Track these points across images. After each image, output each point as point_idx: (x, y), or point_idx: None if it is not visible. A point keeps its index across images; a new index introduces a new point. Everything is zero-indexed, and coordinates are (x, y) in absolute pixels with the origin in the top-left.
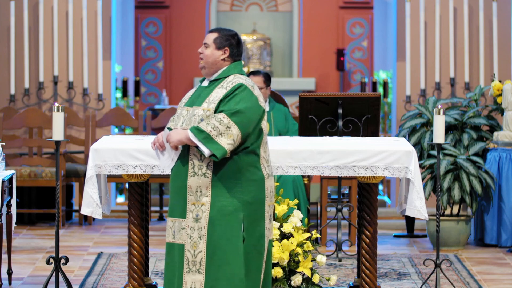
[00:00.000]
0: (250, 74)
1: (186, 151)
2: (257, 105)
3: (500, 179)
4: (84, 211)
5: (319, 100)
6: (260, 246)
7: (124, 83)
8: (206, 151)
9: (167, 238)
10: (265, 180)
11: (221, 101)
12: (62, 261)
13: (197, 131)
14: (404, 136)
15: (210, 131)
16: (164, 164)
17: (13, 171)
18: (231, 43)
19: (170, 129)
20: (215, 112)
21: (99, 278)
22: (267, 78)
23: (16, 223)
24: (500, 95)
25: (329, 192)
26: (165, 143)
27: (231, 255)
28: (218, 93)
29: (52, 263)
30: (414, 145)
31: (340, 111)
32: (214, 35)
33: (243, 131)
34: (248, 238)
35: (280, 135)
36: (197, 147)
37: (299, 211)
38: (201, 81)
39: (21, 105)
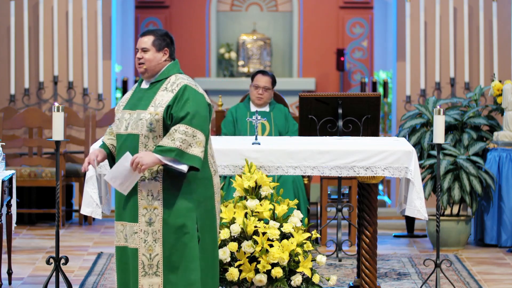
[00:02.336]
0: (258, 73)
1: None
2: (205, 104)
3: (500, 179)
4: (84, 211)
5: (319, 100)
6: (215, 241)
7: (124, 83)
8: (183, 167)
9: (117, 242)
10: (213, 177)
11: (169, 106)
12: (62, 261)
13: (166, 151)
14: (404, 136)
15: (180, 145)
16: (123, 188)
17: (13, 171)
18: (168, 43)
19: (105, 148)
20: (167, 116)
21: (99, 278)
22: (274, 80)
23: (16, 223)
24: (500, 95)
25: (329, 192)
26: (123, 169)
27: (188, 257)
28: (164, 96)
29: (52, 263)
30: (414, 145)
31: (340, 111)
32: (150, 38)
33: (205, 133)
34: (203, 235)
35: (280, 135)
36: (165, 165)
37: (299, 211)
38: (139, 83)
39: (21, 105)
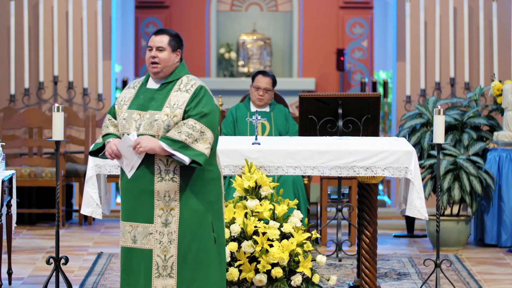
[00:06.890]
0: (259, 73)
1: (151, 156)
2: (216, 106)
3: (500, 179)
4: (84, 211)
5: (319, 100)
6: (223, 238)
7: (124, 83)
8: (186, 159)
9: (124, 243)
10: (221, 177)
11: (186, 106)
12: (62, 261)
13: (171, 141)
14: (404, 136)
15: (185, 139)
16: (128, 169)
17: (13, 171)
18: (181, 44)
19: (114, 136)
20: (183, 117)
21: (99, 278)
22: (275, 80)
23: (16, 223)
24: (500, 95)
25: (329, 192)
26: (126, 149)
27: (204, 258)
28: (179, 97)
29: (52, 263)
30: (414, 145)
31: (340, 111)
32: (166, 38)
33: (214, 133)
34: (217, 236)
35: (280, 135)
36: (171, 156)
37: (299, 211)
38: (144, 83)
39: (21, 105)
